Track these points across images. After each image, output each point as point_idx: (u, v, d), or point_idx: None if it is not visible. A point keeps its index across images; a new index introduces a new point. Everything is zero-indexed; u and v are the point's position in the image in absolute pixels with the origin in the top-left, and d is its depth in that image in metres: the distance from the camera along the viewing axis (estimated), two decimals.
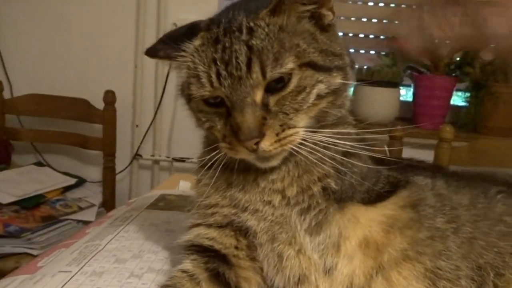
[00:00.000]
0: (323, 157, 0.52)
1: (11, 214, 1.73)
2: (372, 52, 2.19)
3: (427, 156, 1.58)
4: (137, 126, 2.13)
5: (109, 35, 2.10)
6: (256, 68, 0.48)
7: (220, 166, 0.55)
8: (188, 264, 0.57)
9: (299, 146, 0.52)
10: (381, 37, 2.15)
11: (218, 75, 0.50)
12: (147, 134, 2.12)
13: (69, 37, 2.13)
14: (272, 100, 0.50)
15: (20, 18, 2.13)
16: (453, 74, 1.92)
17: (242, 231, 0.57)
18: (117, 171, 2.08)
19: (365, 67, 2.03)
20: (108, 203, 2.02)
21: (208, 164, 0.56)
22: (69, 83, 2.10)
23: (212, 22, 0.53)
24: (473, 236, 0.50)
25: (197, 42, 0.53)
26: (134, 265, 0.68)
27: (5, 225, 1.65)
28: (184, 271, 0.56)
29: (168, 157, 2.13)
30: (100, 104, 1.98)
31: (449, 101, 1.93)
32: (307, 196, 0.53)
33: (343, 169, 0.53)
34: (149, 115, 2.10)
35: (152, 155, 2.15)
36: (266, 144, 0.49)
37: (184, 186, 1.13)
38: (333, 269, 0.51)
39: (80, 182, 2.08)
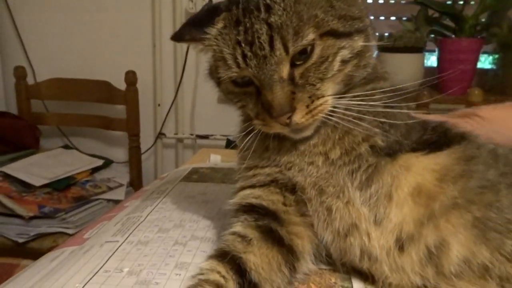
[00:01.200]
0: (357, 120, 0.52)
1: (44, 196, 1.78)
2: (393, 18, 2.13)
3: None
4: (159, 105, 2.14)
5: (126, 16, 2.10)
6: (278, 45, 0.49)
7: (258, 135, 0.56)
8: (238, 226, 0.57)
9: (331, 114, 0.53)
10: (402, 1, 2.09)
11: (244, 56, 0.51)
12: (170, 113, 2.14)
13: (87, 21, 2.14)
14: (297, 73, 0.51)
15: (38, 4, 2.14)
16: (479, 36, 1.86)
17: (288, 188, 0.57)
18: (142, 151, 2.11)
19: (386, 34, 1.98)
20: (135, 182, 2.07)
21: (248, 135, 0.57)
22: (90, 66, 2.12)
23: (231, 2, 0.54)
24: None
25: (219, 25, 0.54)
26: (177, 233, 0.69)
27: (40, 206, 1.70)
28: (234, 233, 0.56)
29: (191, 134, 2.15)
30: (121, 85, 2.00)
31: (476, 64, 1.87)
32: (354, 157, 0.53)
33: (386, 122, 0.53)
34: (170, 93, 2.11)
35: (176, 133, 2.17)
36: (298, 117, 0.51)
37: (215, 159, 1.14)
38: (383, 219, 0.51)
39: (107, 163, 2.12)
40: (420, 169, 0.52)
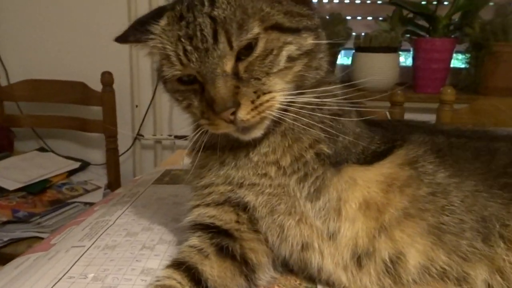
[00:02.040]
0: (310, 121, 0.52)
1: (19, 200, 1.74)
2: (370, 18, 2.16)
3: (429, 119, 1.58)
4: (136, 106, 2.12)
5: (102, 15, 2.07)
6: (222, 38, 0.48)
7: (207, 145, 0.56)
8: (194, 240, 0.58)
9: (282, 113, 0.51)
10: (378, 1, 2.11)
11: (185, 51, 0.50)
12: (147, 114, 2.12)
13: (62, 21, 2.10)
14: (241, 67, 0.50)
15: (13, 3, 2.09)
16: (452, 36, 1.89)
17: (240, 206, 0.57)
18: (120, 153, 2.09)
19: (362, 33, 2.00)
20: (114, 185, 2.04)
21: (198, 144, 0.56)
22: (65, 66, 2.08)
23: (177, 1, 0.53)
24: (477, 189, 0.49)
25: (162, 22, 0.53)
26: (146, 237, 0.69)
27: (14, 210, 1.67)
28: (191, 246, 0.57)
29: (170, 135, 2.13)
30: (98, 86, 1.97)
31: (449, 63, 1.91)
32: (302, 164, 0.53)
33: (333, 131, 0.53)
34: (148, 94, 2.09)
35: (154, 135, 2.15)
36: (243, 113, 0.49)
37: (189, 161, 1.14)
38: (336, 233, 0.52)
39: (84, 165, 2.09)
40: (366, 181, 0.52)
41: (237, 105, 0.49)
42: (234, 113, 0.49)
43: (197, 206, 0.61)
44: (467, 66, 1.92)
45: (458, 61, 2.01)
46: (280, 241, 0.55)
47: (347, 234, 0.51)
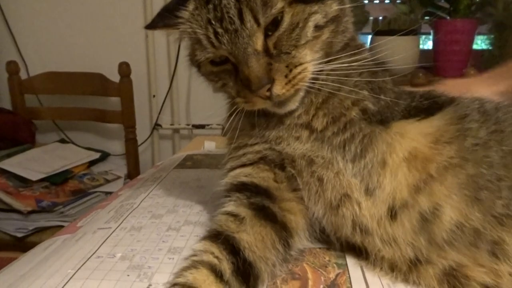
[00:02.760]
0: (343, 82, 0.52)
1: (42, 191, 1.78)
2: (387, 1, 2.11)
3: None
4: (154, 96, 2.13)
5: (118, 7, 2.07)
6: (248, 17, 0.49)
7: (243, 114, 0.56)
8: (230, 205, 0.56)
9: (314, 82, 0.52)
10: None
11: (216, 34, 0.51)
12: (165, 104, 2.12)
13: (78, 13, 2.11)
14: (270, 43, 0.51)
15: None
16: (474, 17, 1.84)
17: (277, 164, 0.57)
18: (138, 143, 2.11)
19: (380, 17, 1.96)
20: (133, 174, 2.06)
21: (233, 114, 0.57)
22: (83, 58, 2.10)
23: None
24: None
25: (190, 6, 0.53)
26: (171, 219, 0.69)
27: (38, 201, 1.70)
28: (227, 213, 0.55)
29: (187, 124, 2.14)
30: (115, 77, 1.98)
31: (471, 45, 1.85)
32: (344, 125, 0.53)
33: (374, 88, 0.53)
34: (165, 84, 2.10)
35: (172, 124, 2.16)
36: (278, 88, 0.50)
37: (209, 146, 1.14)
38: (376, 189, 0.51)
39: (104, 156, 2.12)
40: (414, 134, 0.51)
41: (272, 81, 0.50)
42: (269, 89, 0.50)
43: (232, 169, 0.60)
44: (490, 47, 1.87)
45: (481, 43, 1.95)
46: (318, 196, 0.55)
47: (387, 189, 0.50)
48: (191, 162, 0.99)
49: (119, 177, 2.00)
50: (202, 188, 0.81)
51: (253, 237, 0.52)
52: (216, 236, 0.52)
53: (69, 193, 1.81)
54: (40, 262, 0.59)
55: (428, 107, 0.54)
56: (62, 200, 1.74)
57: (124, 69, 1.97)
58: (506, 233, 0.44)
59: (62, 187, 1.84)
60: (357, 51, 0.56)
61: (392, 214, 0.50)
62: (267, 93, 0.50)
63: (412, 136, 0.51)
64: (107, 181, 1.96)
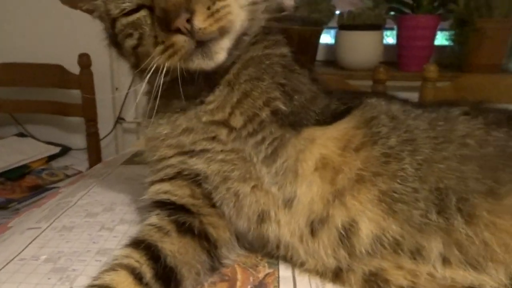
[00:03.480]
0: (260, 74, 0.51)
1: None
2: None
3: (412, 98, 1.56)
4: (116, 89, 2.07)
5: None
6: None
7: (160, 106, 0.54)
8: (153, 218, 0.55)
9: (239, 35, 0.51)
10: None
11: None
12: (128, 97, 2.07)
13: (37, 2, 2.03)
14: None
15: None
16: (437, 13, 1.86)
17: (194, 181, 0.55)
18: (101, 137, 2.05)
19: (346, 11, 1.96)
20: None
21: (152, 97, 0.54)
22: (42, 49, 2.02)
23: None
24: (432, 159, 0.47)
25: None
26: (106, 218, 0.67)
27: None
28: (151, 224, 0.54)
29: None
30: (75, 69, 1.92)
31: (433, 41, 1.88)
32: (257, 125, 0.51)
33: (288, 87, 0.52)
34: (128, 76, 2.03)
35: (136, 118, 2.11)
36: (199, 20, 0.46)
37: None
38: (292, 200, 0.50)
39: (65, 150, 2.06)
40: (324, 139, 0.50)
41: (192, 12, 0.46)
42: (190, 22, 0.46)
43: (153, 183, 0.59)
44: (452, 43, 1.89)
45: (442, 39, 1.98)
46: (237, 212, 0.53)
47: (303, 200, 0.49)
48: (139, 158, 0.96)
49: (79, 172, 1.94)
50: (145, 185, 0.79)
51: (176, 246, 0.51)
52: (138, 244, 0.51)
53: (26, 189, 1.74)
54: None
55: (342, 111, 0.53)
56: (18, 196, 1.68)
57: (84, 60, 1.90)
58: (425, 240, 0.44)
59: (19, 183, 1.77)
60: (274, 43, 0.55)
61: (313, 230, 0.49)
62: (187, 25, 0.45)
63: (321, 142, 0.50)
64: (67, 176, 1.90)
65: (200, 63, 0.49)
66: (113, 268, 0.47)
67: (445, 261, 0.44)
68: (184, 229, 0.54)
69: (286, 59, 0.54)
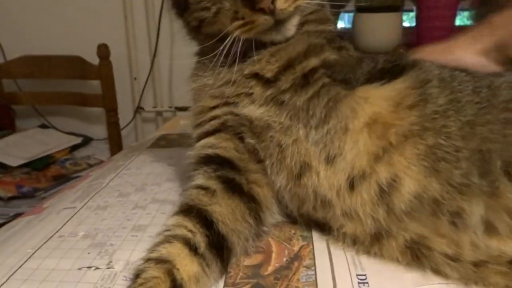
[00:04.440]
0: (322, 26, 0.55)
1: (23, 176, 1.76)
2: None
3: None
4: (135, 78, 2.09)
5: None
6: None
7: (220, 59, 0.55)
8: (200, 178, 0.55)
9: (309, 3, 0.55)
10: None
11: None
12: (147, 86, 2.09)
13: None
14: None
15: None
16: None
17: (237, 133, 0.56)
18: (121, 127, 2.08)
19: None
20: None
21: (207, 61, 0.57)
22: (61, 41, 2.05)
23: None
24: (475, 121, 0.46)
25: None
26: (138, 197, 0.68)
27: (18, 186, 1.68)
28: (198, 186, 0.54)
29: (170, 107, 2.11)
30: (94, 60, 1.94)
31: (454, 21, 1.84)
32: (303, 75, 0.52)
33: (336, 43, 0.54)
34: (146, 66, 2.06)
35: (154, 107, 2.13)
36: (281, 1, 0.51)
37: (185, 125, 1.12)
38: (336, 156, 0.49)
39: (86, 140, 2.09)
40: (376, 98, 0.50)
41: None
42: (273, 3, 0.50)
43: (199, 138, 0.59)
44: (473, 23, 1.85)
45: (464, 18, 1.93)
46: (279, 164, 0.53)
47: (347, 156, 0.49)
48: (164, 142, 0.97)
49: (101, 162, 1.97)
50: (173, 166, 0.80)
51: (225, 210, 0.51)
52: (189, 210, 0.51)
53: (51, 179, 1.79)
54: (1, 243, 0.57)
55: (391, 70, 0.53)
56: (44, 186, 1.72)
57: (103, 51, 1.92)
58: (465, 202, 0.44)
59: (44, 173, 1.81)
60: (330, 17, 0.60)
61: (353, 185, 0.48)
62: (271, 6, 0.50)
63: (374, 100, 0.50)
64: (90, 166, 1.93)
65: (273, 38, 0.55)
66: (167, 240, 0.47)
67: (489, 228, 0.43)
68: (232, 188, 0.53)
69: (332, 34, 0.57)
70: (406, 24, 2.02)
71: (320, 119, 0.50)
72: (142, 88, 2.09)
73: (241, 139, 0.56)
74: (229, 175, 0.54)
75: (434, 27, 1.82)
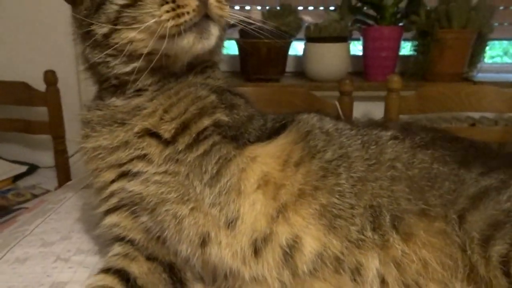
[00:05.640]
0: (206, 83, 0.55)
1: None
2: (321, 8, 2.16)
3: (378, 107, 1.60)
4: (85, 105, 2.03)
5: (43, 11, 1.97)
6: None
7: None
8: (117, 248, 0.56)
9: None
10: None
11: None
12: None
13: (1, 18, 1.98)
14: None
15: None
16: (400, 24, 1.91)
17: (132, 212, 0.55)
18: (69, 154, 2.01)
19: (312, 24, 1.99)
20: None
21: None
22: (5, 66, 1.97)
23: None
24: (365, 178, 0.49)
25: None
26: (62, 247, 0.65)
27: None
28: (115, 254, 0.56)
29: None
30: (41, 86, 1.88)
31: (398, 51, 1.93)
32: (197, 134, 0.51)
33: (228, 101, 0.55)
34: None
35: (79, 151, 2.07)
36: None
37: None
38: (235, 220, 0.49)
39: (32, 168, 2.00)
40: (264, 157, 0.51)
41: None
42: None
43: (104, 214, 0.58)
44: (415, 53, 1.95)
45: (406, 49, 2.03)
46: (178, 235, 0.52)
47: (246, 219, 0.49)
48: None
49: (48, 191, 1.89)
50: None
51: (145, 269, 0.54)
52: (108, 270, 0.53)
53: None
54: None
55: (278, 128, 0.55)
56: None
57: (50, 77, 1.86)
58: (363, 256, 0.45)
59: None
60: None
61: (256, 249, 0.49)
62: None
63: (262, 159, 0.51)
64: (35, 196, 1.84)
65: (192, 43, 0.52)
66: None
67: (384, 282, 0.45)
68: (149, 257, 0.55)
69: (223, 89, 0.57)
70: (355, 51, 2.10)
71: (212, 175, 0.50)
72: None
73: (136, 217, 0.55)
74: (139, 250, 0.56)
75: (379, 57, 1.91)
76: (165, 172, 0.51)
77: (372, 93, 1.83)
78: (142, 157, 0.52)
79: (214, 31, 0.52)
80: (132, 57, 0.52)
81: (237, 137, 0.52)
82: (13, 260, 0.62)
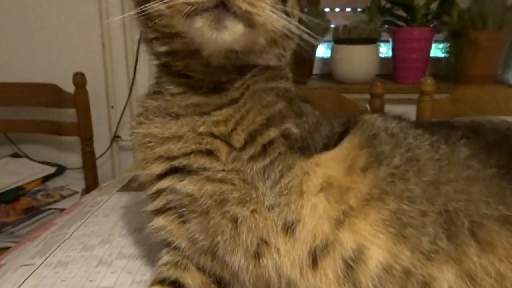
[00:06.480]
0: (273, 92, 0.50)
1: None
2: (348, 9, 2.12)
3: (410, 110, 1.55)
4: (112, 107, 2.06)
5: (72, 14, 1.99)
6: None
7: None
8: (166, 257, 0.55)
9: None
10: None
11: None
12: (124, 115, 2.05)
13: (30, 20, 2.02)
14: None
15: None
16: (431, 25, 1.86)
17: (179, 216, 0.52)
18: (97, 156, 2.03)
19: (340, 25, 1.96)
20: (91, 189, 1.97)
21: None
22: (36, 68, 2.01)
23: None
24: (438, 181, 0.45)
25: None
26: (103, 251, 0.64)
27: None
28: (165, 264, 0.54)
29: None
30: (70, 88, 1.90)
31: (428, 53, 1.88)
32: (262, 145, 0.48)
33: (296, 108, 0.51)
34: (123, 94, 2.03)
35: (132, 135, 2.09)
36: None
37: None
38: (295, 224, 0.46)
39: (60, 170, 2.03)
40: (327, 161, 0.49)
41: None
42: None
43: (155, 213, 0.55)
44: (447, 55, 1.89)
45: (437, 51, 1.98)
46: (233, 242, 0.48)
47: (308, 223, 0.45)
48: (136, 184, 0.94)
49: (75, 193, 1.91)
50: (143, 213, 0.77)
51: (198, 281, 0.53)
52: (163, 281, 0.52)
53: (21, 212, 1.71)
54: None
55: (342, 133, 0.52)
56: (12, 219, 1.65)
57: (79, 79, 1.89)
58: (436, 269, 0.42)
59: (13, 205, 1.74)
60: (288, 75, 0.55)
61: (315, 260, 0.45)
62: None
63: (325, 163, 0.48)
64: (63, 197, 1.87)
65: (203, 30, 0.45)
66: None
67: None
68: (198, 266, 0.53)
69: (290, 93, 0.53)
70: (383, 53, 2.06)
71: (275, 180, 0.47)
72: (120, 117, 2.05)
73: (183, 222, 0.52)
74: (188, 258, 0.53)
75: (410, 59, 1.86)
76: (232, 169, 0.48)
77: (403, 95, 1.78)
78: (205, 153, 0.49)
79: (233, 26, 0.45)
80: (165, 35, 0.49)
81: (305, 147, 0.50)
82: (55, 263, 0.61)
